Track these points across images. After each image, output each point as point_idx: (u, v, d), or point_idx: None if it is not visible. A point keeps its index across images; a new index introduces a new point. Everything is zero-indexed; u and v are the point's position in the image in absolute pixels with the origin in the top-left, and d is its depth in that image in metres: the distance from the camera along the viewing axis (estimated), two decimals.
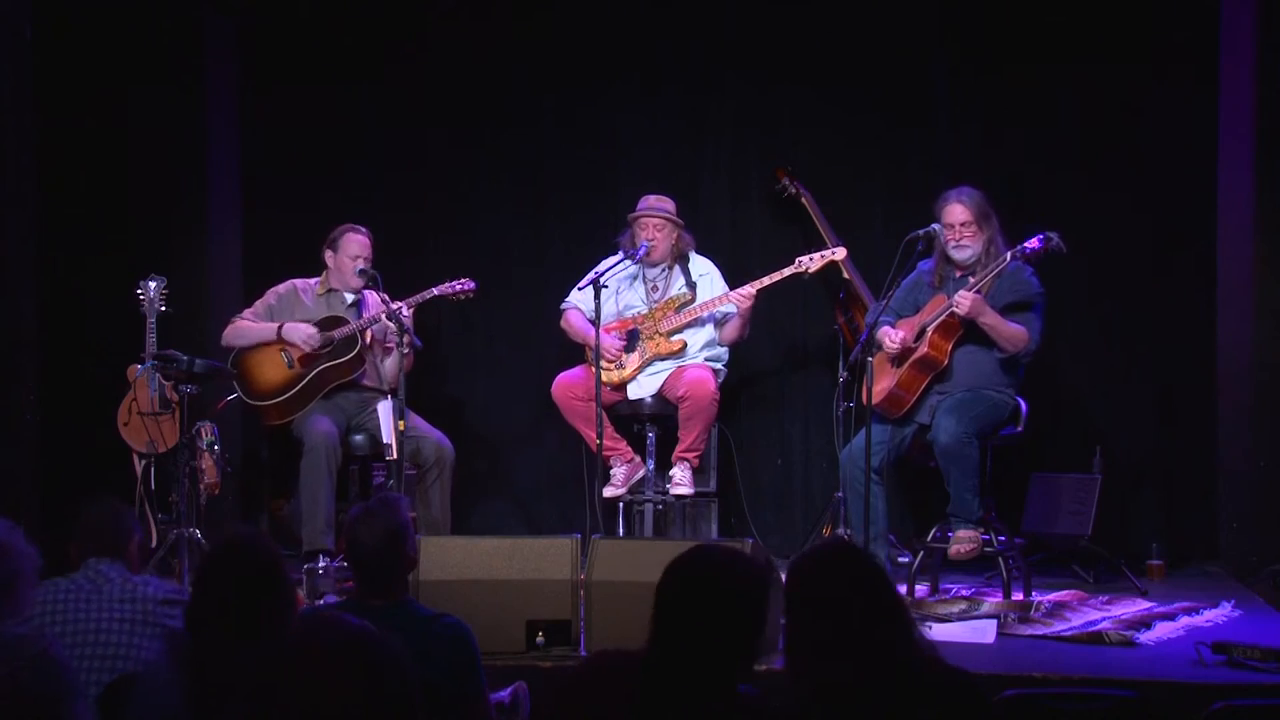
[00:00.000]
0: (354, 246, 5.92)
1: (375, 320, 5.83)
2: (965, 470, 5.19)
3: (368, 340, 5.90)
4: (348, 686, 1.87)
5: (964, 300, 5.22)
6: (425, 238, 6.98)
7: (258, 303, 6.03)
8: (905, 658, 2.44)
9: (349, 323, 5.87)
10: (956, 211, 5.36)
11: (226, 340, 5.95)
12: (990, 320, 5.26)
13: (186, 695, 2.71)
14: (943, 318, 5.32)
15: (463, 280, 5.92)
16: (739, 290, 5.94)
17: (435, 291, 5.88)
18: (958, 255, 5.39)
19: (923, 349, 5.34)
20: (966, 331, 5.32)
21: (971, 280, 5.33)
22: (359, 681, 1.87)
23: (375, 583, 3.23)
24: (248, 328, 5.93)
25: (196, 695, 2.69)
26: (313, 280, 6.06)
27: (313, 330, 5.82)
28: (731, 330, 6.09)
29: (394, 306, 5.63)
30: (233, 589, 2.82)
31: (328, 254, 5.99)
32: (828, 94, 6.77)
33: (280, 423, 5.88)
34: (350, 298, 6.00)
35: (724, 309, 6.07)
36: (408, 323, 5.61)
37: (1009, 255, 5.24)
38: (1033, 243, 5.18)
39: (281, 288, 6.04)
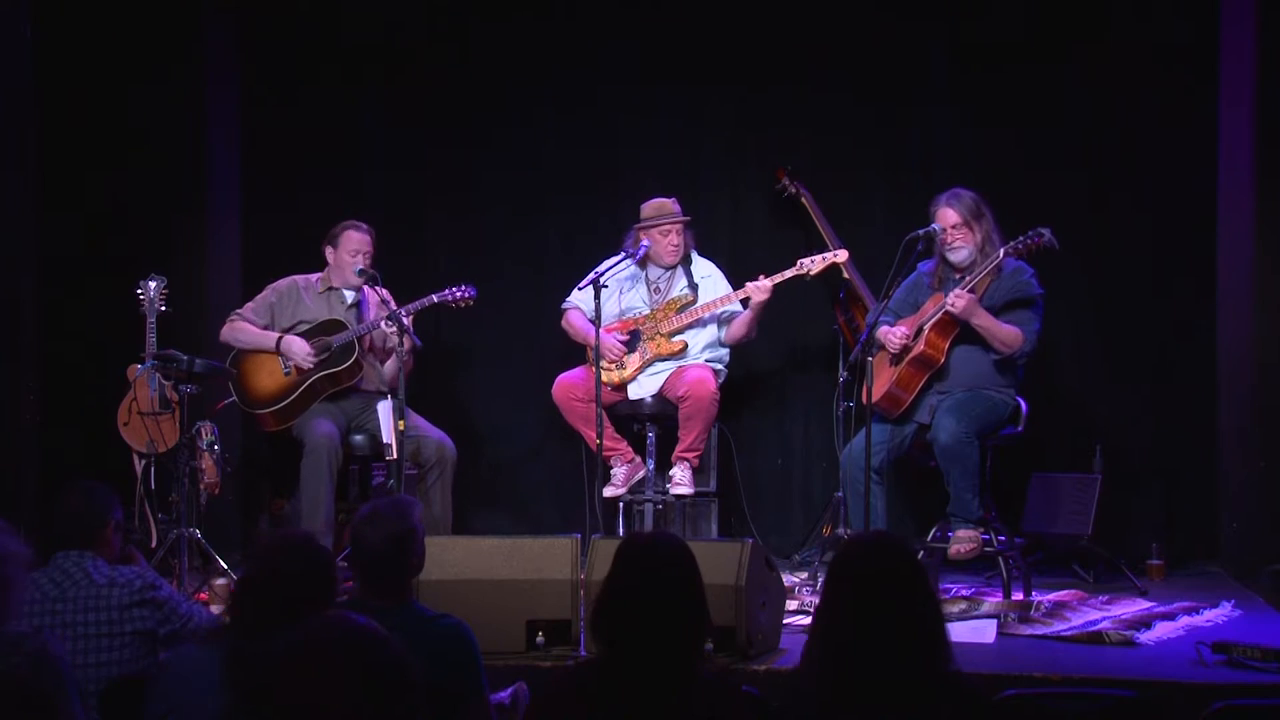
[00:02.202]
0: (353, 243, 5.87)
1: (374, 326, 5.79)
2: (965, 470, 5.18)
3: (366, 346, 5.87)
4: (347, 685, 1.87)
5: (958, 299, 5.22)
6: (425, 238, 6.99)
7: (257, 299, 5.98)
8: (937, 661, 2.43)
9: (347, 328, 5.82)
10: (947, 215, 5.35)
11: (224, 338, 5.92)
12: (984, 321, 5.25)
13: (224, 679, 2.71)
14: (939, 316, 5.32)
15: (463, 287, 5.85)
16: (756, 283, 5.86)
17: (435, 299, 5.81)
18: (953, 258, 5.38)
19: (920, 347, 5.34)
20: (964, 330, 5.31)
21: (966, 279, 5.33)
22: (358, 680, 1.87)
23: (377, 584, 3.23)
24: (247, 330, 5.87)
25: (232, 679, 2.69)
26: (314, 277, 6.01)
27: (309, 350, 5.76)
28: (740, 326, 6.04)
29: (394, 308, 5.62)
30: (280, 578, 2.84)
31: (328, 250, 5.93)
32: (827, 93, 6.78)
33: (276, 429, 5.87)
34: (350, 297, 5.95)
35: (728, 309, 6.06)
36: (408, 323, 5.60)
37: (1002, 252, 5.25)
38: (1024, 239, 5.19)
39: (282, 284, 5.99)
